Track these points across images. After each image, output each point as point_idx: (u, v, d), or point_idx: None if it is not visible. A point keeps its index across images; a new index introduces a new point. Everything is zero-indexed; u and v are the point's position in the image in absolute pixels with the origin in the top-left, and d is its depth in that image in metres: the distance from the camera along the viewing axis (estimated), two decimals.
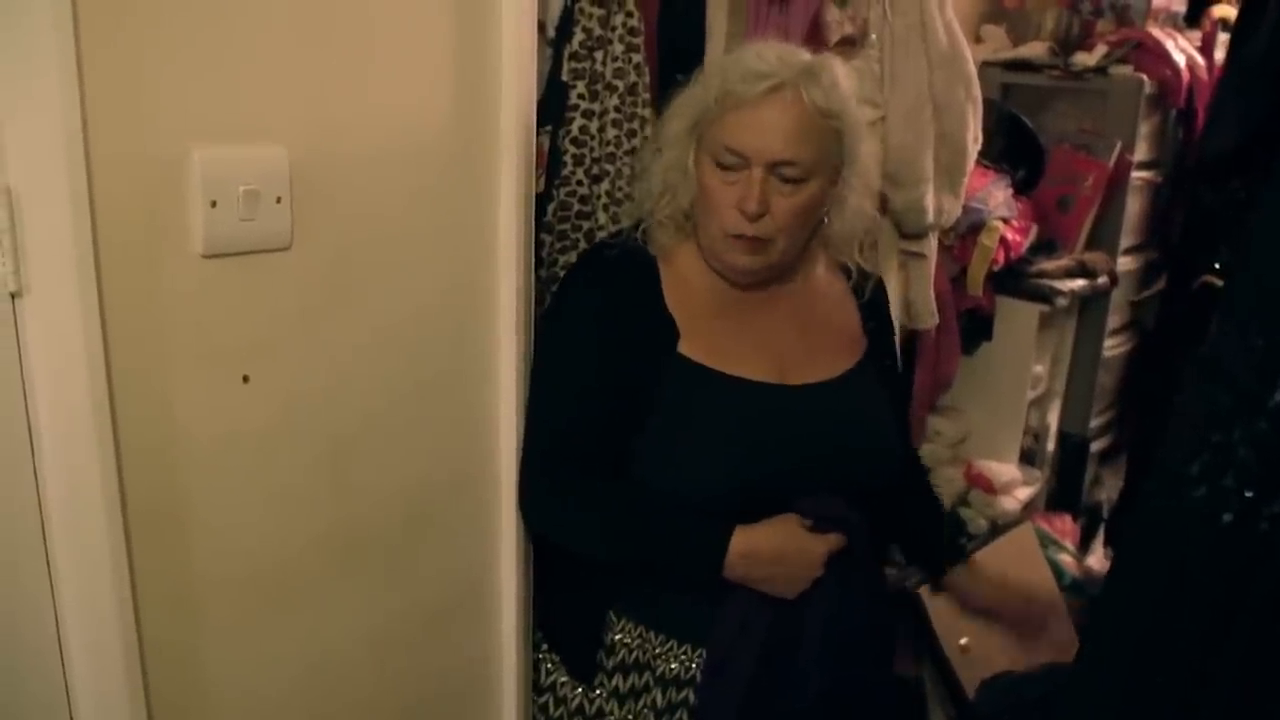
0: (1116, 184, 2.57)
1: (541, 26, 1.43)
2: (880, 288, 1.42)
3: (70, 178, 0.85)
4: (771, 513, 1.21)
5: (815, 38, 1.70)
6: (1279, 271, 0.83)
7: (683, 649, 1.27)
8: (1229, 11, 2.66)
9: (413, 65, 1.14)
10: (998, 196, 2.30)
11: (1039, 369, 2.59)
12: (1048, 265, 2.47)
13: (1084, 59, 2.58)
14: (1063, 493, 2.79)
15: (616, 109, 1.50)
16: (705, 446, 1.21)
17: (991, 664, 2.01)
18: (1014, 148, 2.51)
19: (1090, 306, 2.68)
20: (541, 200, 1.47)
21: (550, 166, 1.50)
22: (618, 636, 1.29)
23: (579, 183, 1.51)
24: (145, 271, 0.94)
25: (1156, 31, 2.64)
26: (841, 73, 1.21)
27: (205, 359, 1.00)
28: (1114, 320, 2.75)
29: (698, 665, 1.25)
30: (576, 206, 1.51)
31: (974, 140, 1.97)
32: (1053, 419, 2.72)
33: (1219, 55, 2.64)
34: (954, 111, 1.90)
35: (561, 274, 1.51)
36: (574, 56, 1.46)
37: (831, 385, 1.29)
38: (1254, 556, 0.79)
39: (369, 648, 1.24)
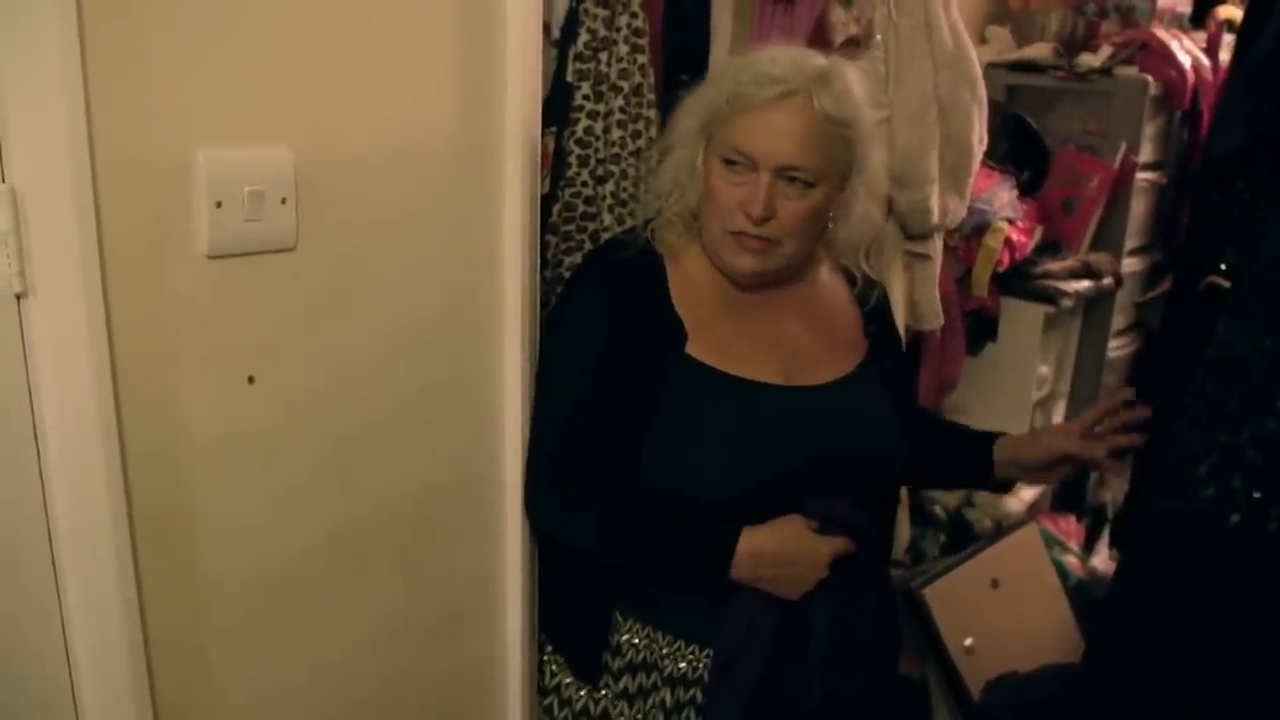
0: (1121, 185, 2.57)
1: (546, 28, 1.43)
2: (883, 295, 1.43)
3: (75, 179, 0.85)
4: (777, 514, 1.21)
5: (820, 38, 1.69)
6: None
7: (690, 649, 1.26)
8: (1234, 12, 2.65)
9: (418, 66, 1.14)
10: (1003, 197, 2.30)
11: (1044, 370, 2.58)
12: (1053, 266, 2.46)
13: (1089, 60, 2.58)
14: (1067, 493, 2.78)
15: (621, 110, 1.50)
16: (712, 448, 1.20)
17: (996, 665, 2.00)
18: (1019, 149, 2.50)
19: (1095, 308, 2.67)
20: (546, 201, 1.47)
21: (555, 168, 1.50)
22: (625, 637, 1.28)
23: (584, 184, 1.51)
24: (150, 272, 0.94)
25: (1161, 32, 2.63)
26: (855, 80, 1.21)
27: (210, 360, 1.00)
28: (1119, 321, 2.74)
29: (705, 665, 1.25)
30: (581, 208, 1.51)
31: (979, 141, 1.97)
32: (1058, 420, 2.72)
33: (1224, 56, 2.63)
34: (959, 112, 1.90)
35: (567, 275, 1.51)
36: (579, 57, 1.46)
37: (835, 387, 1.30)
38: (1262, 557, 0.79)
39: (374, 649, 1.24)
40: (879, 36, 1.77)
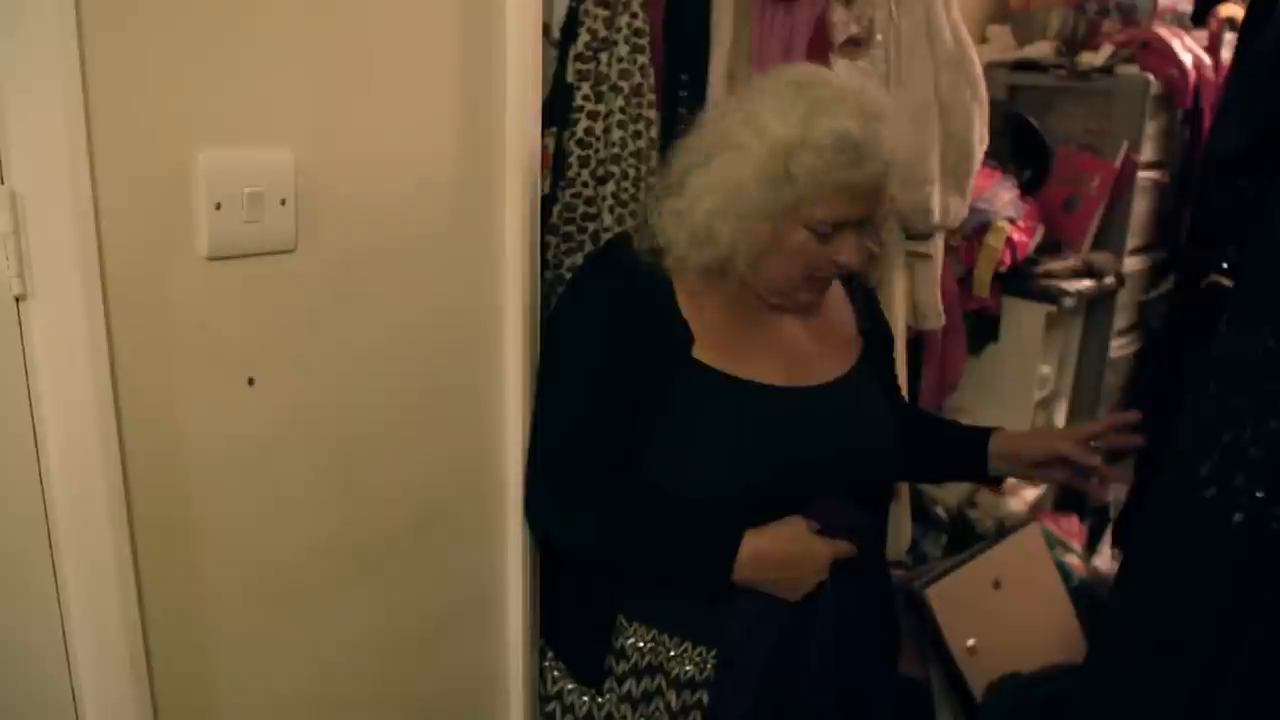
0: (1123, 184, 2.57)
1: (546, 28, 1.43)
2: (872, 290, 1.44)
3: (74, 180, 0.85)
4: (782, 513, 1.21)
5: (821, 38, 1.69)
6: None
7: (697, 650, 1.26)
8: (1236, 10, 2.65)
9: (418, 67, 1.14)
10: (1004, 197, 2.30)
11: (1046, 370, 2.58)
12: (1054, 266, 2.46)
13: (1090, 59, 2.57)
14: (1070, 494, 2.77)
15: (622, 110, 1.50)
16: (721, 450, 1.20)
17: (999, 665, 2.00)
18: (1020, 148, 2.50)
19: (1097, 307, 2.67)
20: (547, 202, 1.47)
21: (555, 168, 1.49)
22: (629, 640, 1.27)
23: (584, 184, 1.50)
24: (150, 274, 0.94)
25: (1163, 31, 2.63)
26: (891, 110, 1.19)
27: (210, 361, 1.00)
28: (1121, 321, 2.74)
29: (711, 666, 1.25)
30: (582, 208, 1.51)
31: (980, 141, 1.97)
32: (1060, 420, 2.71)
33: (1226, 54, 2.63)
34: (960, 112, 1.90)
35: (567, 276, 1.51)
36: (579, 58, 1.46)
37: (835, 386, 1.30)
38: (1265, 557, 0.79)
39: (375, 653, 1.24)
40: (880, 36, 1.77)
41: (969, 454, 1.44)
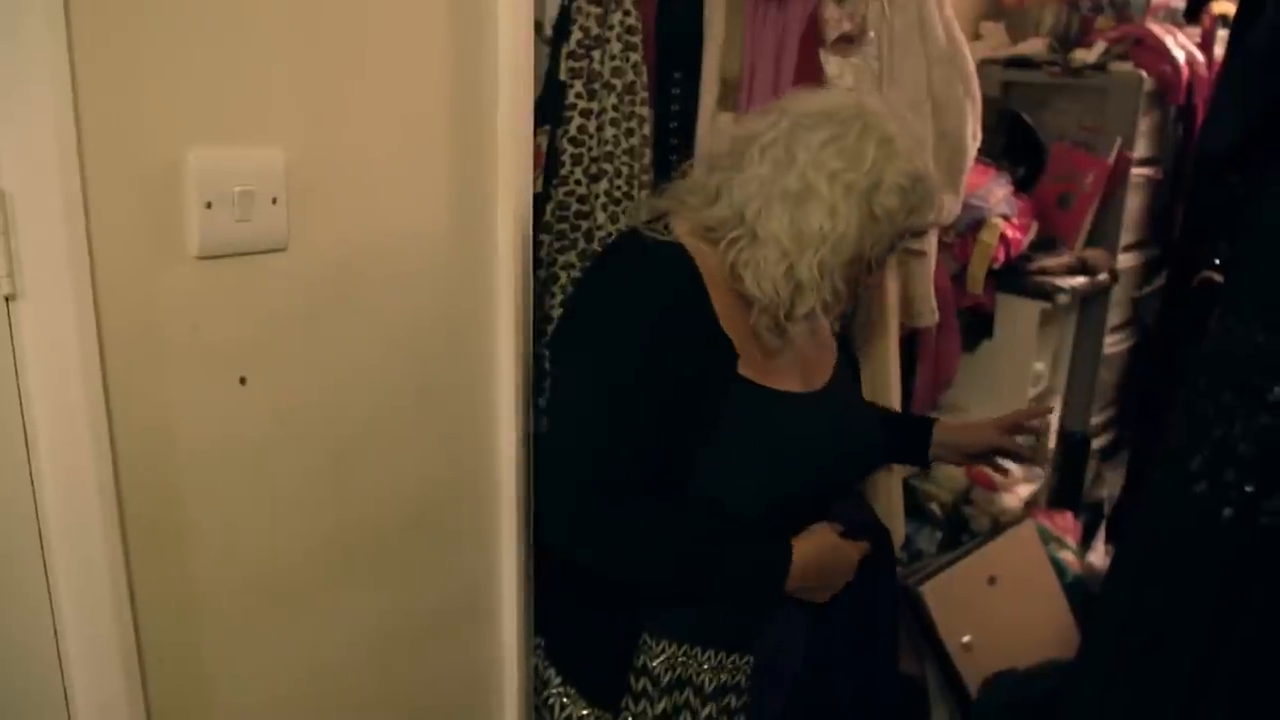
0: (1116, 181, 2.57)
1: (539, 26, 1.43)
2: None
3: (64, 180, 0.85)
4: (808, 518, 1.23)
5: (813, 35, 1.69)
6: None
7: (731, 658, 1.25)
8: (1228, 7, 2.65)
9: (409, 65, 1.14)
10: (998, 194, 2.30)
11: (1040, 366, 2.59)
12: (1048, 262, 2.46)
13: (1083, 56, 2.58)
14: (1064, 490, 2.78)
15: (614, 108, 1.50)
16: (768, 464, 1.19)
17: (994, 661, 2.01)
18: (1014, 145, 2.51)
19: (1091, 304, 2.67)
20: (540, 200, 1.47)
21: (548, 166, 1.49)
22: (656, 659, 1.24)
23: (577, 182, 1.50)
24: (140, 273, 0.94)
25: (1156, 27, 2.63)
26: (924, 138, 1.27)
27: (201, 361, 1.00)
28: (1115, 317, 2.74)
29: (745, 673, 1.25)
30: (575, 206, 1.51)
31: (973, 138, 1.96)
32: (1054, 416, 2.72)
33: (1219, 51, 2.63)
34: (953, 109, 1.90)
35: (560, 274, 1.51)
36: (571, 55, 1.46)
37: (832, 387, 1.31)
38: (1255, 551, 0.79)
39: (368, 653, 1.24)
40: (872, 33, 1.77)
41: (914, 441, 1.51)
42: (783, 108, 1.21)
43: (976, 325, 2.46)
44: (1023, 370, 2.51)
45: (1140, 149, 2.60)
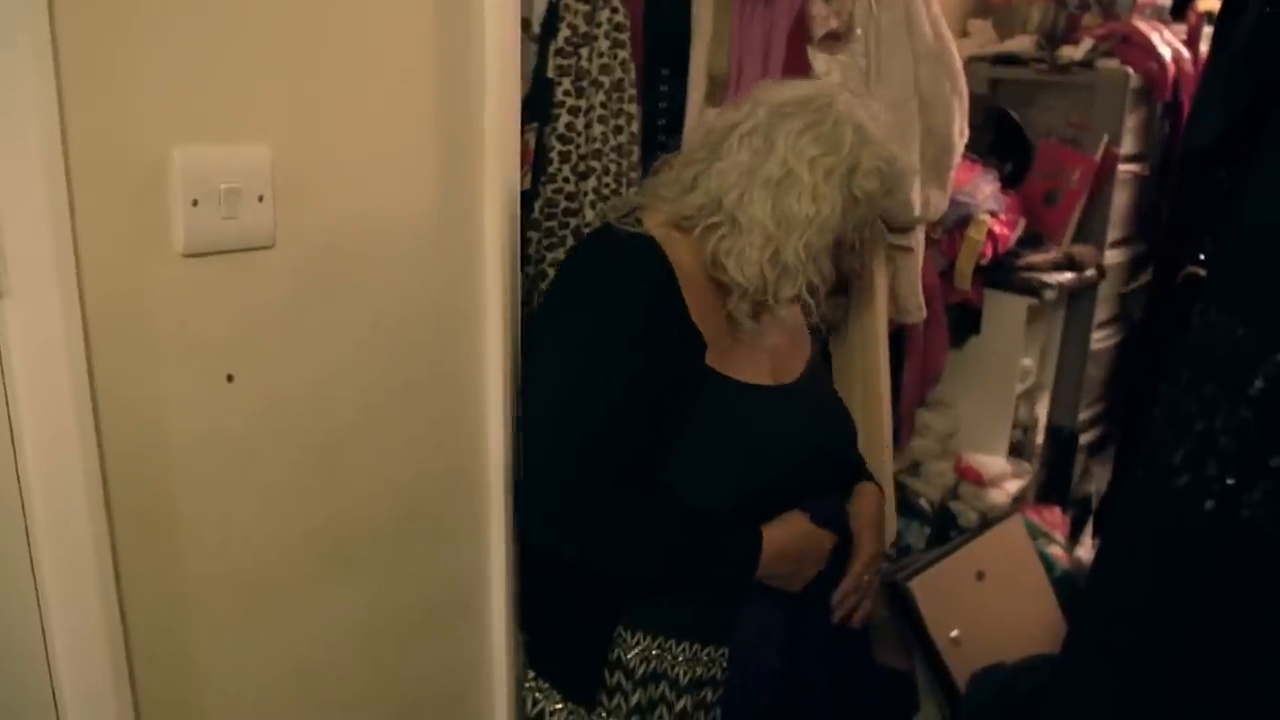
0: (1103, 177, 2.58)
1: (527, 23, 1.43)
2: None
3: (50, 178, 0.85)
4: (779, 509, 1.23)
5: (800, 33, 1.69)
6: (1261, 261, 0.84)
7: (706, 650, 1.26)
8: (1214, 4, 2.66)
9: (396, 62, 1.14)
10: (985, 190, 2.31)
11: (1027, 362, 2.60)
12: (1035, 258, 2.47)
13: (1070, 53, 2.59)
14: (1052, 485, 2.80)
15: (603, 105, 1.50)
16: (736, 456, 1.20)
17: (983, 656, 2.02)
18: (1001, 141, 2.52)
19: (1078, 299, 2.69)
20: (528, 197, 1.47)
21: (536, 163, 1.49)
22: (631, 653, 1.25)
23: (565, 180, 1.50)
24: (126, 271, 0.93)
25: (1142, 25, 2.65)
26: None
27: (188, 358, 1.00)
28: (1102, 313, 2.76)
29: (721, 664, 1.26)
30: (563, 203, 1.51)
31: (960, 134, 1.97)
32: (1041, 412, 2.73)
33: (1204, 48, 2.64)
34: (940, 106, 1.91)
35: (549, 271, 1.51)
36: (559, 53, 1.46)
37: (806, 380, 1.33)
38: (1235, 543, 0.80)
39: (358, 647, 1.24)
40: (859, 30, 1.78)
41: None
42: (755, 99, 1.23)
43: (964, 321, 2.47)
44: (1010, 366, 2.52)
45: (1127, 145, 2.62)
